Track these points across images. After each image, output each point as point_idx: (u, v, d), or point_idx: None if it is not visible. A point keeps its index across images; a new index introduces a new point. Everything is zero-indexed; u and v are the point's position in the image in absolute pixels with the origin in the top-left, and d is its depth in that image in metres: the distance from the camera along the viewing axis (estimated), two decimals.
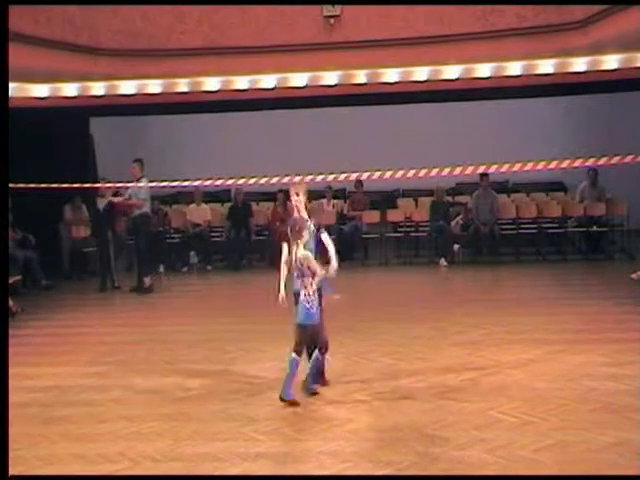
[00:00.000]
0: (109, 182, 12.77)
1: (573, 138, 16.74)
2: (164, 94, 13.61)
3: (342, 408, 6.44)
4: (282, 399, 6.51)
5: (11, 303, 10.30)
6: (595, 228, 14.86)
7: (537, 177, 16.39)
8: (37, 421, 6.41)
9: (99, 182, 13.47)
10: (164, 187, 13.25)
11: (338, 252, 6.91)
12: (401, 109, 15.76)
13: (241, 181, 8.44)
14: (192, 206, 15.86)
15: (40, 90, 13.24)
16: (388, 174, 7.45)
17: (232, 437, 5.85)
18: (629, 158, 6.39)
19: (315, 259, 6.61)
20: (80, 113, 14.79)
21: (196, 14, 12.59)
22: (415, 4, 12.15)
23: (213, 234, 15.76)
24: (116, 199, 12.99)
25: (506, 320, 9.50)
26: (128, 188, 12.48)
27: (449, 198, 16.02)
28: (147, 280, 12.73)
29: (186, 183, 12.14)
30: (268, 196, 16.67)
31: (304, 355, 6.69)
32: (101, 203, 13.13)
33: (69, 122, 14.89)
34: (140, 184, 12.16)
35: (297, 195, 6.83)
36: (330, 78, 13.28)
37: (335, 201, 16.13)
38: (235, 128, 17.12)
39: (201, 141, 17.39)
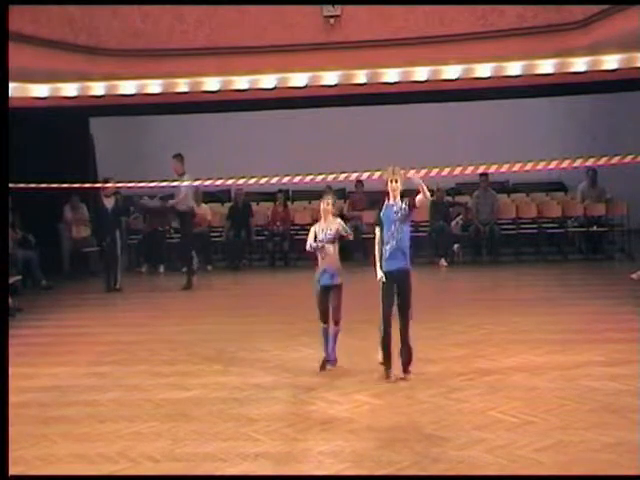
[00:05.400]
0: (112, 182, 12.76)
1: (573, 138, 16.72)
2: (164, 94, 13.60)
3: (342, 408, 6.44)
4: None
5: (10, 302, 10.30)
6: (595, 228, 14.86)
7: (537, 177, 16.35)
8: (37, 421, 6.42)
9: (100, 182, 13.45)
10: (164, 187, 13.23)
11: (341, 251, 7.51)
12: (401, 109, 15.74)
13: (241, 181, 8.45)
14: None
15: (40, 90, 13.22)
16: None
17: (232, 437, 5.85)
18: (629, 158, 6.40)
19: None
20: (80, 113, 14.79)
21: (196, 14, 12.58)
22: (415, 4, 12.15)
23: (213, 234, 15.75)
24: (170, 203, 13.16)
25: (506, 320, 9.51)
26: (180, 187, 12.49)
27: (449, 198, 16.00)
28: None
29: (186, 183, 12.17)
30: (268, 196, 16.65)
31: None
32: (108, 203, 13.07)
33: (69, 122, 14.88)
34: (183, 182, 12.18)
35: (396, 182, 7.18)
36: (330, 78, 13.27)
37: None
38: (235, 128, 17.09)
39: (201, 141, 17.34)
